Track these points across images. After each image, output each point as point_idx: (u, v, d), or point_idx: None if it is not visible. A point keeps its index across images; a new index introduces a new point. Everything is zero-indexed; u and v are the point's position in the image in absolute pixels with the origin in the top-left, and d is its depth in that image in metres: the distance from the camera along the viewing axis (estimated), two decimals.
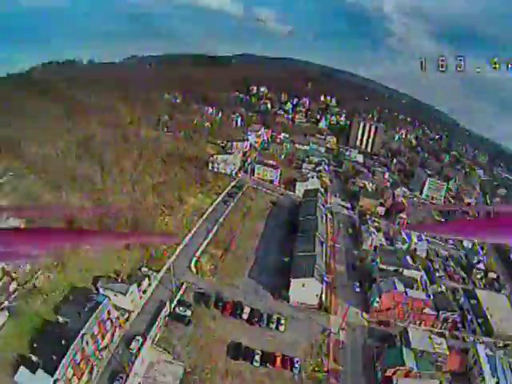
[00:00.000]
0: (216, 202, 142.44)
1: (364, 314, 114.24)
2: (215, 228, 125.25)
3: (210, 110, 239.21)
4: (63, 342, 64.21)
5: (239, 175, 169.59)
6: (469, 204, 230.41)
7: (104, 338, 74.56)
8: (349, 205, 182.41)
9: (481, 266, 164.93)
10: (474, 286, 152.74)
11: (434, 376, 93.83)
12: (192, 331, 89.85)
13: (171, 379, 75.15)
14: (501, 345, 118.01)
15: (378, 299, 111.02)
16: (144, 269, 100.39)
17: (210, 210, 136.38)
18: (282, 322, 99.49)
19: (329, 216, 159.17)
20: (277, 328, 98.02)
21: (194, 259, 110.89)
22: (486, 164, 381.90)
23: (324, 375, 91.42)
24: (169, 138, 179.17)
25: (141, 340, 78.91)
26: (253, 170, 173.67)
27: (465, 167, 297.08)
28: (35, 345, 65.06)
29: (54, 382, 59.62)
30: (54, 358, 61.42)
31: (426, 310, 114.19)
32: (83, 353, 67.23)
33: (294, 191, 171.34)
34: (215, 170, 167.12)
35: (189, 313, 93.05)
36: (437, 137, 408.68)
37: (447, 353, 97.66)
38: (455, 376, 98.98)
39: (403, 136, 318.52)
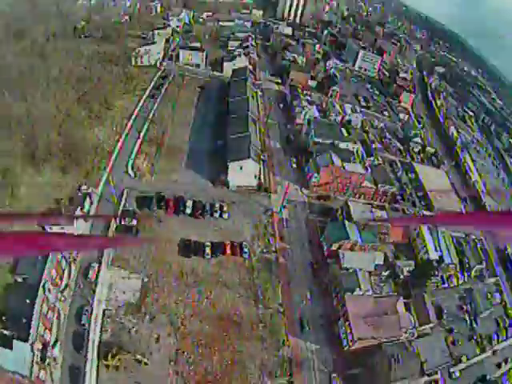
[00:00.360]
0: (143, 98, 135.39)
1: (303, 190, 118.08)
2: (145, 126, 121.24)
3: (128, 2, 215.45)
4: (27, 300, 63.17)
5: (164, 64, 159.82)
6: (405, 79, 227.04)
7: (62, 279, 74.01)
8: (279, 80, 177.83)
9: (418, 139, 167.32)
10: (411, 160, 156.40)
11: (378, 248, 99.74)
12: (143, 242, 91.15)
13: (131, 294, 77.23)
14: None
15: (316, 174, 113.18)
16: (83, 187, 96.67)
17: (138, 108, 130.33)
18: (225, 209, 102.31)
19: (259, 93, 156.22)
20: (221, 216, 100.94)
21: (131, 162, 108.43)
22: (424, 40, 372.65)
23: (272, 255, 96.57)
24: (88, 44, 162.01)
25: (96, 265, 79.38)
26: (177, 57, 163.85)
27: (400, 41, 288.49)
28: (3, 318, 61.69)
29: (31, 346, 58.99)
30: (24, 321, 60.39)
31: (365, 184, 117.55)
32: (48, 302, 66.70)
33: (222, 71, 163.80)
34: (139, 63, 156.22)
35: (134, 222, 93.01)
36: (370, 9, 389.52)
37: (390, 225, 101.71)
38: (399, 247, 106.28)
39: (335, 6, 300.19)
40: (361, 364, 75.71)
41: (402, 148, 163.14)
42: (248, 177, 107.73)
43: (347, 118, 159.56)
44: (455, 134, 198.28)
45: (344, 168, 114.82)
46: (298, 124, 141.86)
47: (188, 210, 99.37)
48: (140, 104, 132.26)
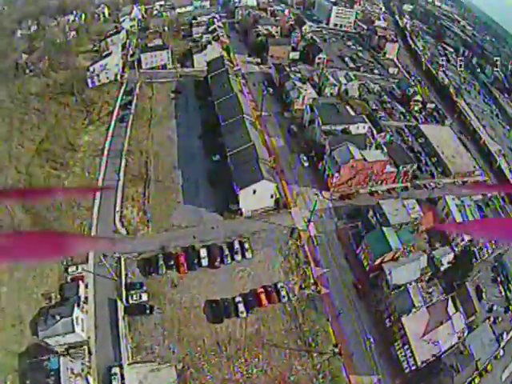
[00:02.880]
0: (112, 126, 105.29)
1: (324, 193, 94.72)
2: (123, 162, 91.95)
3: (71, 17, 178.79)
4: None
5: (125, 76, 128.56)
6: (384, 28, 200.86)
7: None
8: (258, 60, 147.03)
9: (418, 97, 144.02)
10: (416, 122, 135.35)
11: (416, 246, 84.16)
12: (158, 316, 68.92)
13: None
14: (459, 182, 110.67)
15: (336, 173, 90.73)
16: (70, 269, 72.55)
17: (109, 139, 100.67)
18: (247, 246, 78.52)
19: (242, 81, 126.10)
20: (244, 257, 77.70)
21: (118, 215, 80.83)
22: None
23: (313, 289, 76.20)
24: (35, 79, 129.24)
25: (118, 370, 62.02)
26: (139, 62, 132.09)
27: None
28: None
29: None
30: None
31: (387, 169, 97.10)
32: None
33: (193, 66, 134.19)
34: (97, 83, 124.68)
35: (145, 296, 70.30)
36: None
37: (421, 214, 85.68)
38: (431, 235, 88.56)
39: None
40: (424, 382, 65.83)
41: (403, 110, 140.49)
42: (263, 198, 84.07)
43: (343, 88, 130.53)
44: (444, 78, 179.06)
45: (365, 160, 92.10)
46: (296, 110, 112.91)
47: (204, 262, 75.48)
48: (109, 134, 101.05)
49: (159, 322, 67.55)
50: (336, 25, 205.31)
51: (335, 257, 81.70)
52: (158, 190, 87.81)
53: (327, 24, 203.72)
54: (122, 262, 74.19)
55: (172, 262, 74.26)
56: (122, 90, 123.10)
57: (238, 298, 71.19)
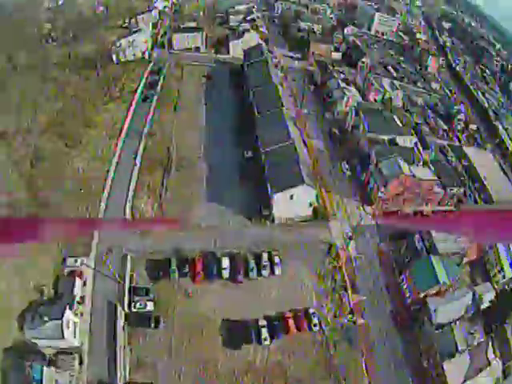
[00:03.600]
0: (134, 104, 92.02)
1: (367, 209, 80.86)
2: (141, 145, 78.57)
3: None
4: None
5: (154, 55, 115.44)
6: (426, 41, 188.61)
7: None
8: (298, 55, 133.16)
9: (462, 116, 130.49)
10: (459, 143, 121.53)
11: (460, 279, 71.77)
12: (165, 330, 56.60)
13: None
14: None
15: (382, 188, 77.93)
16: (69, 260, 60.48)
17: (129, 119, 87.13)
18: (276, 259, 64.90)
19: (280, 74, 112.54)
20: (272, 273, 64.27)
21: (129, 205, 68.00)
22: None
23: (350, 318, 63.43)
24: (57, 49, 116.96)
25: None
26: (170, 42, 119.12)
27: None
28: None
29: None
30: None
31: (435, 190, 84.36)
32: None
33: (228, 53, 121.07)
34: (123, 59, 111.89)
35: (151, 305, 58.23)
36: None
37: (468, 244, 72.50)
38: (472, 267, 75.86)
39: None
40: None
41: (446, 128, 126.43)
42: (301, 205, 70.32)
43: (387, 96, 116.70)
44: (483, 99, 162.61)
45: (415, 177, 78.84)
46: (339, 112, 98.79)
47: (225, 273, 62.26)
48: (131, 113, 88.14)
49: (165, 337, 55.41)
50: (378, 32, 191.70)
51: (375, 282, 68.17)
52: (179, 181, 74.45)
53: (369, 30, 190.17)
54: (129, 261, 60.84)
55: (187, 269, 61.33)
56: (148, 69, 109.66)
57: (262, 322, 58.32)
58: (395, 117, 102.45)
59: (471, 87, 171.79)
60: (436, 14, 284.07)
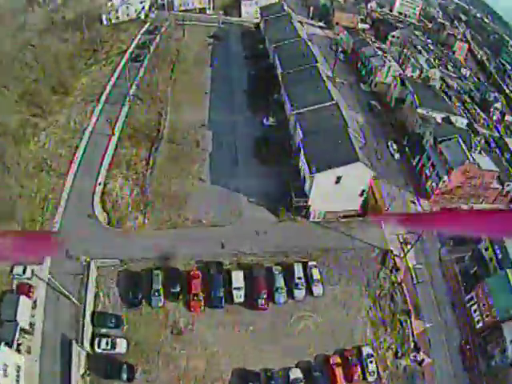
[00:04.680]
0: (121, 66, 68.45)
1: (422, 202, 58.00)
2: (125, 109, 54.74)
3: None
4: None
5: (153, 15, 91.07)
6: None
7: None
8: (321, 23, 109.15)
9: (499, 104, 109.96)
10: (500, 133, 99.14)
11: None
12: None
13: None
14: None
15: (445, 177, 54.51)
16: (16, 269, 39.02)
17: (113, 82, 63.93)
18: (315, 274, 41.86)
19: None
20: (310, 292, 41.27)
21: (99, 188, 44.47)
22: None
23: (414, 357, 41.23)
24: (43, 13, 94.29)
25: None
26: (172, 2, 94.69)
27: None
28: None
29: None
30: None
31: (493, 184, 62.55)
32: None
33: (240, 15, 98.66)
34: (114, 21, 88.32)
35: (122, 345, 35.89)
36: None
37: None
38: None
39: None
40: None
41: (484, 116, 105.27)
42: (349, 194, 45.72)
43: (424, 73, 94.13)
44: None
45: (479, 166, 56.41)
46: (378, 83, 75.43)
47: (238, 295, 39.06)
48: (116, 75, 64.90)
49: None
50: (400, 13, 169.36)
51: (439, 303, 45.65)
52: (172, 156, 51.00)
53: (390, 10, 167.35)
54: (93, 272, 37.32)
55: (178, 288, 38.06)
56: (143, 29, 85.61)
57: (296, 373, 35.80)
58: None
59: (497, 78, 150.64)
60: (452, 4, 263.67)
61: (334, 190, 43.57)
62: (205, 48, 79.77)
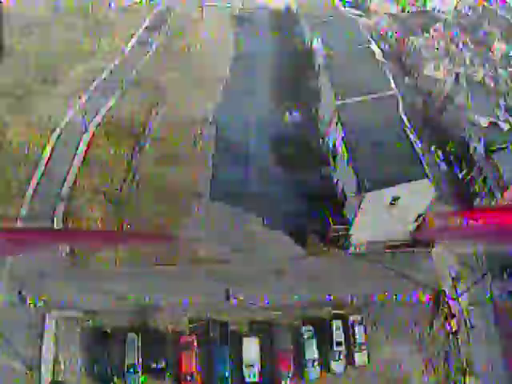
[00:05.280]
0: (124, 50, 56.04)
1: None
2: (113, 100, 42.45)
3: None
4: None
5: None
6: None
7: None
8: (356, 11, 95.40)
9: None
10: None
11: None
12: None
13: None
14: None
15: (498, 195, 40.92)
16: None
17: (112, 68, 52.44)
18: (360, 336, 28.37)
19: None
20: (352, 361, 27.99)
21: (59, 206, 33.14)
22: None
23: None
24: None
25: None
26: None
27: None
28: None
29: None
30: None
31: None
32: None
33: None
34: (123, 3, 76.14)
35: None
36: None
37: None
38: None
39: None
40: None
41: None
42: (402, 220, 31.55)
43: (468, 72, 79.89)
44: None
45: None
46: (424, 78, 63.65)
47: (251, 374, 25.35)
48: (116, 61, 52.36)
49: None
50: (434, 9, 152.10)
51: (493, 359, 31.31)
52: (160, 158, 37.68)
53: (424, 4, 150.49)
54: (50, 330, 25.49)
55: (163, 363, 25.64)
56: (154, 11, 72.73)
57: None
58: None
59: None
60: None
61: (385, 214, 30.02)
62: (226, 30, 66.57)
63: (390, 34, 79.69)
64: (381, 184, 27.57)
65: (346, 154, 31.35)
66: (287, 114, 43.50)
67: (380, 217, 30.47)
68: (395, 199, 29.27)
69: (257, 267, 30.57)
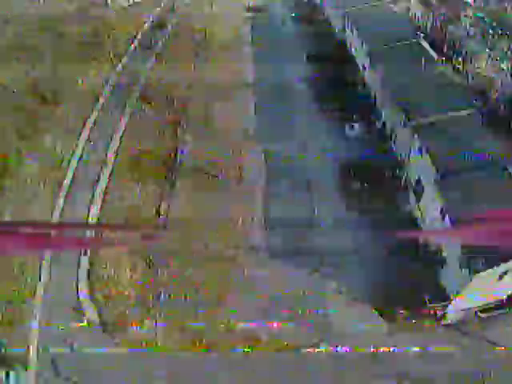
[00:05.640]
0: (128, 56, 47.76)
1: None
2: (123, 123, 34.25)
3: None
4: None
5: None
6: None
7: None
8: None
9: None
10: None
11: None
12: None
13: None
14: None
15: None
16: None
17: (115, 80, 43.46)
18: None
19: None
20: None
21: (83, 272, 25.81)
22: None
23: None
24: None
25: None
26: None
27: None
28: None
29: None
30: None
31: None
32: None
33: None
34: (124, 4, 67.56)
35: None
36: None
37: None
38: None
39: None
40: None
41: None
42: (504, 287, 22.19)
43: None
44: None
45: None
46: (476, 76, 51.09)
47: None
48: (117, 70, 45.27)
49: None
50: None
51: None
52: (197, 200, 29.52)
53: None
54: None
55: None
56: (159, 9, 63.95)
57: None
58: None
59: None
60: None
61: (489, 286, 21.88)
62: (241, 25, 57.14)
63: (426, 21, 69.70)
64: (495, 262, 19.34)
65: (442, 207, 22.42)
66: (347, 128, 35.06)
67: (486, 290, 22.30)
68: (505, 272, 20.98)
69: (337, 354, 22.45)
